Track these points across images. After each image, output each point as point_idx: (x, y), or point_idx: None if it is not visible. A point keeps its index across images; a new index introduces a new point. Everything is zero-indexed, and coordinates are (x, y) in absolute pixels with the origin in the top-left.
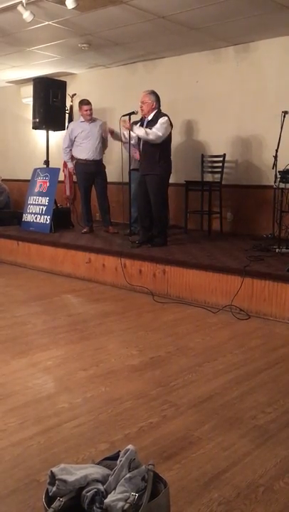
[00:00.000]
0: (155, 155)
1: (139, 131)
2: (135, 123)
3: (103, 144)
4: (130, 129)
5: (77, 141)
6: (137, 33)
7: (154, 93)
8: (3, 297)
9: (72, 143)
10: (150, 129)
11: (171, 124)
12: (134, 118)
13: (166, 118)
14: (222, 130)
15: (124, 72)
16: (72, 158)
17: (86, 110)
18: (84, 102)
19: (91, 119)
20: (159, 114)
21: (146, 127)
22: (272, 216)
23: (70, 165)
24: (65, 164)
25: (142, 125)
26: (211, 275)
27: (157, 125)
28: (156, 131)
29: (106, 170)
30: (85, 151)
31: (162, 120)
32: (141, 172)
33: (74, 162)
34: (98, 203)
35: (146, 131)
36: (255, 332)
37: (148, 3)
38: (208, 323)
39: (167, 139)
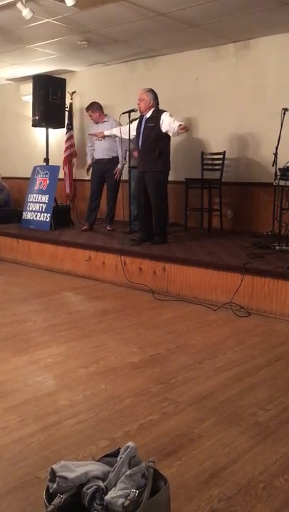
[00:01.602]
0: (155, 151)
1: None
2: (135, 120)
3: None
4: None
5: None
6: (136, 31)
7: (151, 91)
8: (3, 295)
9: (93, 142)
10: (153, 125)
11: None
12: (133, 115)
13: (168, 112)
14: (222, 127)
15: (124, 70)
16: (93, 157)
17: (90, 116)
18: (86, 108)
19: (98, 122)
20: (160, 111)
21: (145, 124)
22: (273, 213)
23: (89, 161)
24: (65, 162)
25: (140, 122)
26: (211, 273)
27: (169, 118)
28: (177, 122)
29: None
30: (96, 151)
31: (167, 113)
32: (140, 169)
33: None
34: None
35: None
36: (256, 329)
37: (148, 0)
38: (209, 320)
39: (167, 136)
